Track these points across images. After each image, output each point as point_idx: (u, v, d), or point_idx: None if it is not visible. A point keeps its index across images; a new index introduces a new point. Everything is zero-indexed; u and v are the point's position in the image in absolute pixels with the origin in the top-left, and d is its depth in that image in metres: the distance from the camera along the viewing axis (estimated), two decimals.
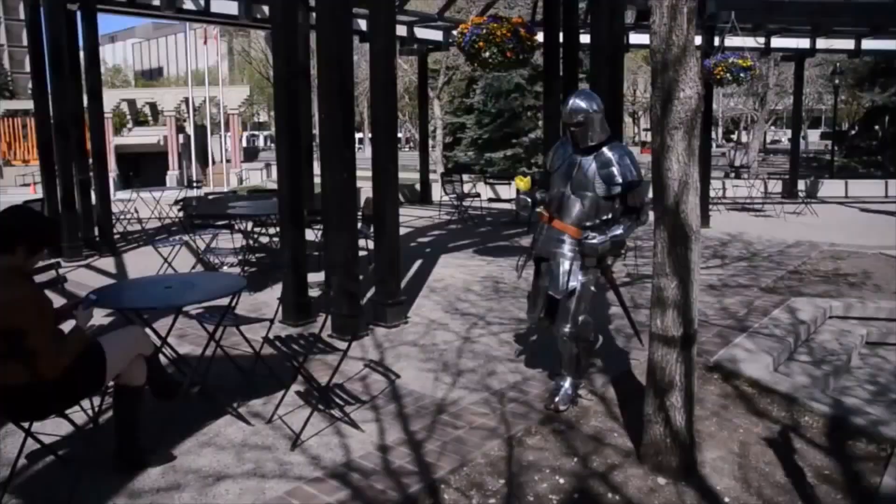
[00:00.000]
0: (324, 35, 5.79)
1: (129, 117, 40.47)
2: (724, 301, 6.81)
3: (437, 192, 15.08)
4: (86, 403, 3.95)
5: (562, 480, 3.49)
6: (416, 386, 4.68)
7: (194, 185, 12.97)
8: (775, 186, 16.41)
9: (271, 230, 8.70)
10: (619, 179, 4.10)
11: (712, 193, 13.32)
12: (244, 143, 49.67)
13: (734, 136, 52.28)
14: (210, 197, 11.37)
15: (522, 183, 4.61)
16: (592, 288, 4.28)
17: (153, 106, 40.60)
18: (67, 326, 3.36)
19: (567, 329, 4.19)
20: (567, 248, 4.21)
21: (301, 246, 6.18)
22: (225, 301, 4.27)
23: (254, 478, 3.48)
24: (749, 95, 36.08)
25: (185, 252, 8.69)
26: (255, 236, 8.78)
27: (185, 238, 8.29)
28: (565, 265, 4.20)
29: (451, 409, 4.32)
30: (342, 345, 4.26)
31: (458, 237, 10.98)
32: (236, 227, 8.42)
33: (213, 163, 34.76)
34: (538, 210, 4.53)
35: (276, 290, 7.13)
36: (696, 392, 3.61)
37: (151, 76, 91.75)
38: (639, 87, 48.92)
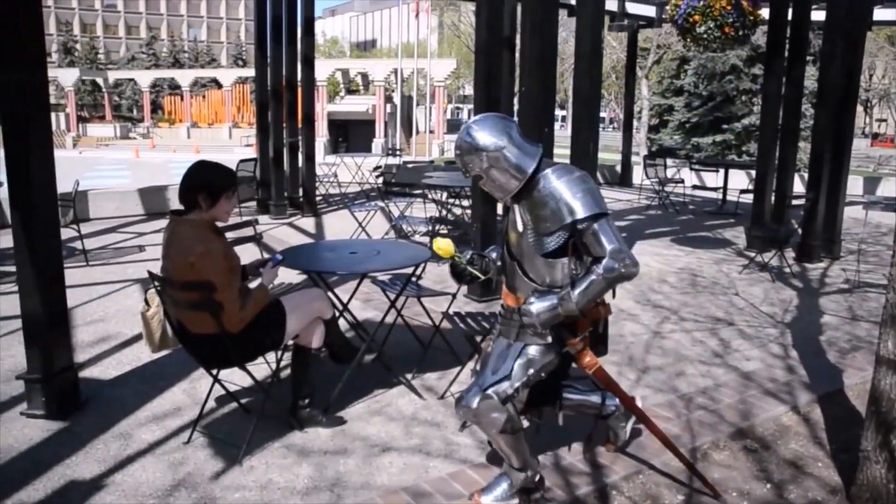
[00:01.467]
0: (529, 3, 5.57)
1: (342, 86, 42.78)
2: None
3: (637, 175, 14.46)
4: (270, 357, 4.12)
5: None
6: None
7: (395, 153, 13.37)
8: None
9: (465, 202, 8.70)
10: (554, 223, 2.74)
11: None
12: (448, 115, 50.80)
13: None
14: (409, 166, 11.63)
15: (438, 247, 3.13)
16: (531, 372, 2.87)
17: (364, 76, 42.62)
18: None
19: (471, 405, 2.81)
20: (512, 324, 2.96)
21: (492, 220, 6.06)
22: (410, 271, 4.26)
23: (419, 454, 3.42)
24: None
25: (379, 218, 8.94)
26: (448, 207, 8.82)
27: (381, 204, 8.50)
28: (502, 343, 2.99)
29: None
30: None
31: (657, 224, 10.43)
32: (430, 197, 8.50)
33: (417, 133, 35.83)
34: (485, 277, 3.24)
35: None
36: None
37: (365, 48, 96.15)
38: (876, 71, 43.94)
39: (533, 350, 2.90)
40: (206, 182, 3.22)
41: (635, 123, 25.50)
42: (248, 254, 3.75)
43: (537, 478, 3.06)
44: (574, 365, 3.03)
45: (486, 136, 2.77)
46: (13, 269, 3.82)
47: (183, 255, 3.12)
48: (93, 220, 9.53)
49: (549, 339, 2.89)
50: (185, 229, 3.20)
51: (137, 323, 5.31)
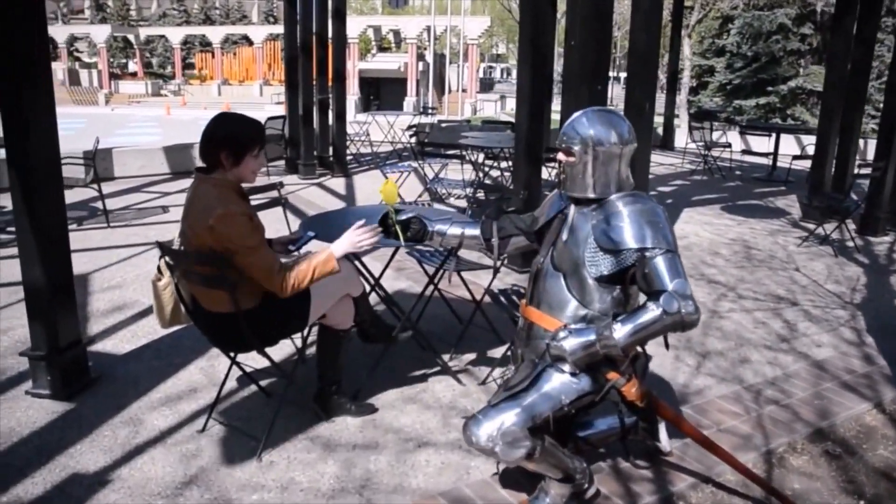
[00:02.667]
0: None
1: (373, 43, 42.04)
2: None
3: (679, 139, 13.82)
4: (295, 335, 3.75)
5: None
6: (652, 363, 3.98)
7: (428, 111, 12.87)
8: None
9: (503, 164, 8.24)
10: (620, 242, 2.39)
11: None
12: (480, 74, 49.87)
13: None
14: (443, 125, 11.15)
15: (383, 190, 2.86)
16: (564, 400, 2.43)
17: (396, 33, 41.84)
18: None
19: (482, 433, 2.35)
20: (538, 345, 2.58)
21: (537, 184, 5.60)
22: None
23: (458, 451, 3.04)
24: None
25: (413, 179, 8.53)
26: (486, 169, 8.36)
27: (415, 165, 8.07)
28: (526, 366, 2.60)
29: (695, 400, 3.60)
30: None
31: (704, 190, 9.87)
32: (467, 158, 8.04)
33: (449, 91, 35.16)
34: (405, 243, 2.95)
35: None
36: None
37: (397, 4, 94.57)
38: None
39: (567, 375, 2.47)
40: (229, 137, 2.76)
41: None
42: (271, 217, 3.36)
43: (587, 479, 2.68)
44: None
45: (586, 126, 2.50)
46: None
47: (203, 217, 2.70)
48: (118, 179, 9.22)
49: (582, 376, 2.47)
50: (208, 189, 2.77)
51: None
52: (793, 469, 3.04)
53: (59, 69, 42.29)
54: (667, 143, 14.12)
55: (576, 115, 2.56)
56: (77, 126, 21.82)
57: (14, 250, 5.92)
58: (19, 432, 3.18)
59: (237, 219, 2.70)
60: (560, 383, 2.46)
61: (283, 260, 2.96)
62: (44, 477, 2.85)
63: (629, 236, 2.40)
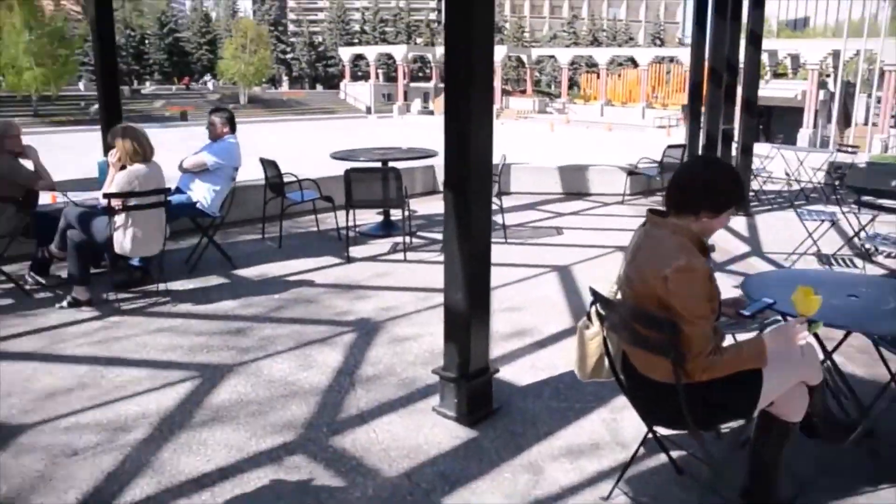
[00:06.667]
0: None
1: (767, 68, 39.36)
2: None
3: None
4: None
5: None
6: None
7: (847, 149, 11.23)
8: None
9: None
10: None
11: None
12: None
13: None
14: (873, 167, 9.63)
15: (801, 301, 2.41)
16: None
17: (794, 58, 38.67)
18: None
19: None
20: None
21: None
22: None
23: None
24: None
25: (829, 229, 7.40)
26: None
27: (839, 214, 6.97)
28: None
29: None
30: None
31: None
32: None
33: (855, 125, 31.25)
34: None
35: None
36: None
37: (795, 26, 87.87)
38: None
39: None
40: (722, 192, 2.47)
41: None
42: None
43: None
44: None
45: None
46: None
47: (658, 264, 2.39)
48: (512, 194, 9.53)
49: None
50: (666, 235, 2.47)
51: (553, 317, 4.87)
52: None
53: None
54: None
55: None
56: None
57: (424, 255, 6.36)
58: (426, 451, 3.19)
59: (698, 277, 2.32)
60: None
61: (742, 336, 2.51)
62: None
63: None
